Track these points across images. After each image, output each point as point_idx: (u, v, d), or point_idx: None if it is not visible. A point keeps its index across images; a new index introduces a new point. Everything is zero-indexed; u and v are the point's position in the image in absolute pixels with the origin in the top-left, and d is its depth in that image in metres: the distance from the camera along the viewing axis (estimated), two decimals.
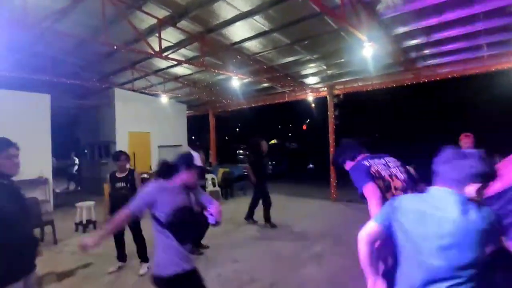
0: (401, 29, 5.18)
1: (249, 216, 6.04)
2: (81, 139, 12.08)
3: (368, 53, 4.90)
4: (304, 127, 26.48)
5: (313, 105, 10.18)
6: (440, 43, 5.71)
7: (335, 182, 8.12)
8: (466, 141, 4.31)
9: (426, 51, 6.07)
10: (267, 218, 5.80)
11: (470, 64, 6.23)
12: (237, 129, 22.50)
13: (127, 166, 3.99)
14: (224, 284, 3.48)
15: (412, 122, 12.92)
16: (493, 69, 6.05)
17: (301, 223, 5.94)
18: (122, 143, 9.62)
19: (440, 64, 6.54)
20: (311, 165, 13.70)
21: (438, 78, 6.70)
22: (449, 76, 6.55)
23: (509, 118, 9.96)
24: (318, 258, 4.15)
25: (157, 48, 5.47)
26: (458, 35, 5.34)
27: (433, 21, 4.81)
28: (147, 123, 10.39)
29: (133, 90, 9.33)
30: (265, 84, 8.84)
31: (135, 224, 3.84)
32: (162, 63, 7.63)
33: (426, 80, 6.79)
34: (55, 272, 3.97)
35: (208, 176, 8.32)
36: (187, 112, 12.48)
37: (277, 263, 4.01)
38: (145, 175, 8.75)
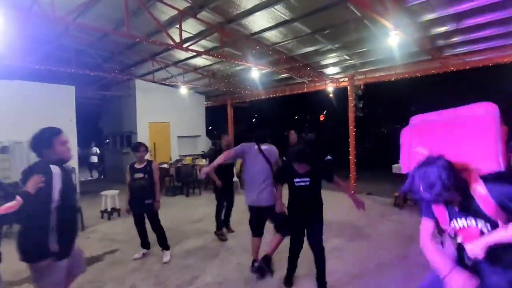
0: (429, 16, 4.91)
1: None
2: (104, 129, 12.48)
3: (393, 41, 4.71)
4: (322, 117, 26.06)
5: (331, 95, 9.99)
6: (471, 30, 5.40)
7: (354, 174, 8.00)
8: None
9: (455, 39, 5.75)
10: None
11: (502, 51, 5.86)
12: (254, 120, 22.47)
13: (146, 157, 4.07)
14: (244, 272, 3.55)
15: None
16: None
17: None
18: (142, 134, 9.87)
19: (470, 52, 6.19)
20: (329, 157, 13.52)
21: (467, 67, 6.35)
22: (480, 65, 6.19)
23: None
24: (337, 251, 4.14)
25: (177, 39, 5.50)
26: (490, 21, 5.02)
27: (464, 6, 4.54)
28: (167, 114, 10.58)
29: (154, 82, 9.49)
30: (284, 75, 8.73)
31: (152, 215, 3.96)
32: (182, 54, 7.68)
33: (454, 69, 6.46)
34: (84, 257, 4.17)
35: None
36: (206, 102, 12.58)
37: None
38: (165, 165, 8.98)
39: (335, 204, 6.25)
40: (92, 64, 8.06)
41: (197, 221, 5.83)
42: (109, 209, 6.08)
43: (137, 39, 5.26)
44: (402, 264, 3.70)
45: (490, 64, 6.10)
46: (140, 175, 3.93)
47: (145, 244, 4.19)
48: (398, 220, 5.53)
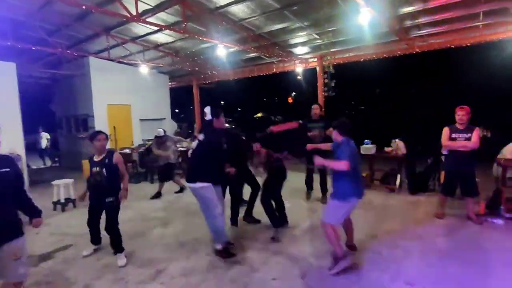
0: None
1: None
2: (57, 112, 11.34)
3: (364, 19, 4.58)
4: (290, 99, 26.14)
5: (299, 77, 9.86)
6: (436, 11, 5.44)
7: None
8: (461, 113, 4.19)
9: (421, 19, 5.79)
10: None
11: (465, 34, 6.02)
12: (223, 102, 21.90)
13: (105, 147, 3.49)
14: (213, 262, 3.36)
15: (404, 95, 12.83)
16: (488, 40, 5.87)
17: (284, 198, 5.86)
18: (100, 117, 9.09)
19: (434, 33, 6.30)
20: None
21: (431, 49, 6.48)
22: (442, 47, 6.34)
23: (502, 91, 9.96)
24: (309, 233, 4.09)
25: (133, 11, 4.92)
26: (454, 2, 5.08)
27: None
28: (127, 95, 9.81)
29: (110, 60, 8.66)
30: (252, 54, 8.39)
31: (110, 214, 3.44)
32: (140, 29, 7.00)
33: (419, 51, 6.57)
34: (34, 255, 3.72)
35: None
36: (170, 83, 11.88)
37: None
38: (127, 150, 8.38)
39: (302, 188, 6.25)
40: (34, 38, 7.06)
41: (162, 209, 5.50)
42: (62, 200, 5.52)
43: (84, 7, 4.58)
44: (372, 243, 3.73)
45: (452, 46, 6.25)
46: (97, 169, 3.38)
47: (96, 240, 3.76)
48: (366, 200, 5.60)
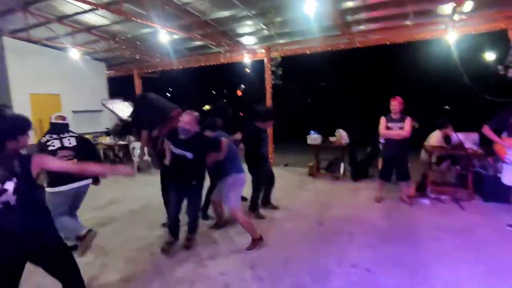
0: None
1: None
2: None
3: (310, 9, 4.62)
4: (239, 92, 26.01)
5: (247, 70, 9.76)
6: (373, 7, 5.76)
7: (272, 147, 8.12)
8: (394, 103, 4.53)
9: (361, 15, 6.09)
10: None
11: (398, 31, 6.51)
12: (168, 94, 20.81)
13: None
14: (153, 262, 3.11)
15: (347, 87, 13.58)
16: (417, 38, 6.43)
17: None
18: (22, 108, 7.85)
19: (373, 30, 6.69)
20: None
21: (370, 45, 6.88)
22: (380, 43, 6.77)
23: (430, 86, 11.14)
24: (259, 224, 4.05)
25: None
26: (388, 1, 5.43)
27: None
28: (55, 83, 8.66)
29: (31, 41, 7.52)
30: (198, 42, 8.01)
31: None
32: (67, 7, 6.13)
33: (360, 46, 6.93)
34: None
35: (137, 144, 7.47)
36: (108, 72, 10.83)
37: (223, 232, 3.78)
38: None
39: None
40: None
41: (104, 207, 4.98)
42: None
43: None
44: (319, 231, 3.84)
45: (388, 43, 6.72)
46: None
47: None
48: (313, 188, 5.81)
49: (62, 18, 6.64)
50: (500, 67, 5.64)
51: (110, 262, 3.18)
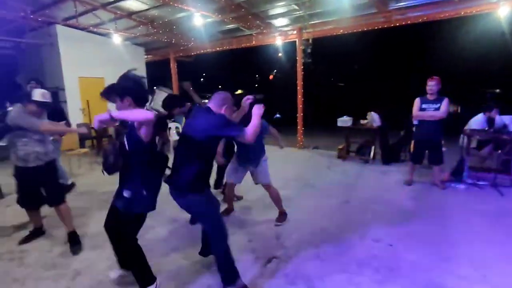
0: None
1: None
2: (24, 85, 10.63)
3: None
4: (271, 77, 25.91)
5: (280, 54, 9.71)
6: None
7: (302, 130, 8.17)
8: (431, 83, 4.35)
9: None
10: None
11: (440, 7, 6.10)
12: (202, 79, 21.34)
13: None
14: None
15: (380, 69, 12.94)
16: (462, 14, 5.99)
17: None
18: (72, 90, 8.68)
19: (413, 6, 6.33)
20: (278, 115, 13.62)
21: (409, 23, 6.53)
22: (419, 20, 6.40)
23: (476, 67, 10.21)
24: (287, 201, 4.22)
25: None
26: None
27: None
28: (100, 67, 9.32)
29: (79, 28, 8.13)
30: (231, 25, 8.13)
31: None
32: None
33: (397, 25, 6.61)
34: (4, 226, 3.64)
35: (172, 125, 7.91)
36: (146, 56, 11.39)
37: (245, 209, 4.02)
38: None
39: (282, 160, 6.35)
40: None
41: None
42: None
43: None
44: (344, 208, 3.92)
45: (428, 20, 6.33)
46: None
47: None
48: (341, 170, 5.83)
49: (106, 5, 7.10)
50: None
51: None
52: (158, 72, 12.55)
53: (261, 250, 2.93)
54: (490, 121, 4.93)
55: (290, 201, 4.22)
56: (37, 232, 3.37)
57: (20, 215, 4.00)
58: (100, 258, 2.85)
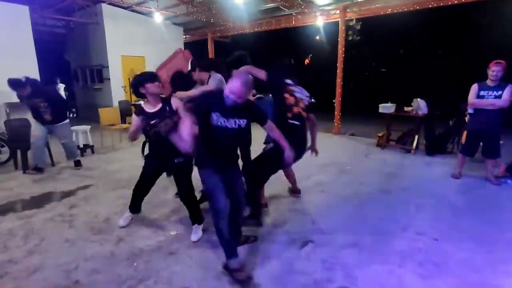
0: None
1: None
2: (72, 62, 11.31)
3: None
4: (307, 61, 25.11)
5: (318, 37, 9.26)
6: None
7: (339, 116, 7.86)
8: (496, 69, 3.89)
9: None
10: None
11: None
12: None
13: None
14: None
15: (433, 53, 11.83)
16: None
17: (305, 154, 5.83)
18: (115, 67, 9.05)
19: None
20: (313, 100, 13.25)
21: (468, 0, 5.88)
22: None
23: None
24: (321, 186, 4.11)
25: None
26: None
27: None
28: (141, 46, 9.61)
29: (123, 7, 8.35)
30: (270, 5, 7.88)
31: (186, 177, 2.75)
32: None
33: (456, 2, 5.98)
34: (55, 192, 3.93)
35: None
36: (184, 37, 11.50)
37: (282, 188, 3.97)
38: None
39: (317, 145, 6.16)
40: None
41: None
42: (81, 145, 5.68)
43: None
44: (384, 198, 3.73)
45: None
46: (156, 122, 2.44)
47: (137, 208, 3.05)
48: (380, 158, 5.55)
49: None
50: None
51: None
52: (196, 52, 12.65)
53: (297, 233, 2.88)
54: None
55: (325, 185, 4.11)
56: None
57: (69, 182, 4.32)
58: (140, 228, 2.98)
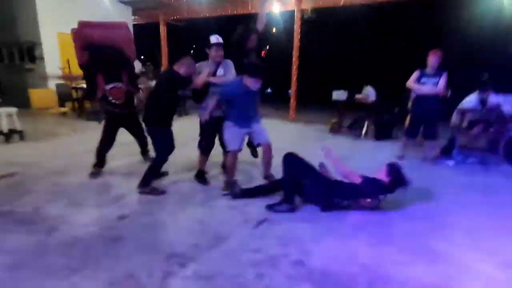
0: None
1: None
2: None
3: None
4: (263, 53, 25.29)
5: (274, 30, 9.29)
6: None
7: (294, 103, 7.98)
8: (431, 58, 4.22)
9: None
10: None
11: None
12: (194, 46, 20.37)
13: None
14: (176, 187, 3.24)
15: (382, 44, 12.55)
16: None
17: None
18: (49, 46, 8.04)
19: None
20: (269, 90, 13.29)
21: None
22: None
23: (478, 44, 9.85)
24: (274, 170, 4.08)
25: None
26: None
27: None
28: None
29: None
30: None
31: None
32: None
33: None
34: None
35: None
36: (133, 18, 10.66)
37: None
38: (84, 85, 7.61)
39: (271, 132, 6.17)
40: None
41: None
42: (5, 131, 4.93)
43: None
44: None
45: None
46: None
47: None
48: (332, 143, 5.72)
49: None
50: None
51: None
52: (146, 36, 11.81)
53: (252, 213, 2.80)
54: (483, 102, 4.89)
55: (279, 168, 4.09)
56: None
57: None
58: (78, 215, 2.65)
